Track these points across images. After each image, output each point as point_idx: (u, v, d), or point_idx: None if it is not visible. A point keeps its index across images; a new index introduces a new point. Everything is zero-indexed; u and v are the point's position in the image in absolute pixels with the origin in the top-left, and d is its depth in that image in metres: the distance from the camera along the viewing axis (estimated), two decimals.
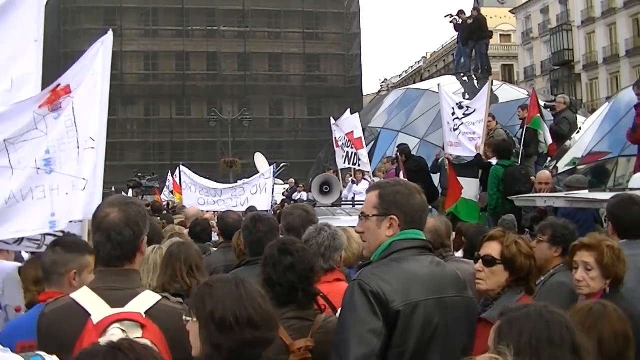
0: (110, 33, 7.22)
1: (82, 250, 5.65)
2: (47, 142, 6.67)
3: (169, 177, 33.45)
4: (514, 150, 17.26)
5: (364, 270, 4.57)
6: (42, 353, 3.57)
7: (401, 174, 18.31)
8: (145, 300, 4.45)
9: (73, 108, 6.72)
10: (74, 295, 4.47)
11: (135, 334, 4.15)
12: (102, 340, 4.04)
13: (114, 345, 2.92)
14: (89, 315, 4.25)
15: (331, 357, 4.41)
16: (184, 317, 3.99)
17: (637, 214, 6.94)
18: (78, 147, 6.65)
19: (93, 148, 6.67)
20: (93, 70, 6.93)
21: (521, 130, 19.59)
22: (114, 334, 4.10)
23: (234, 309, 3.82)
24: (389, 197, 4.75)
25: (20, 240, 7.16)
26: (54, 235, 7.10)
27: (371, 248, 4.82)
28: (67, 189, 6.64)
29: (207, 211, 17.85)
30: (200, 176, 21.32)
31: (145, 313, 4.33)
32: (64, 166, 6.65)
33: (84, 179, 6.57)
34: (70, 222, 6.95)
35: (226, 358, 3.82)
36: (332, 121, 24.37)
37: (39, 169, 6.63)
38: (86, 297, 4.39)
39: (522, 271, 5.44)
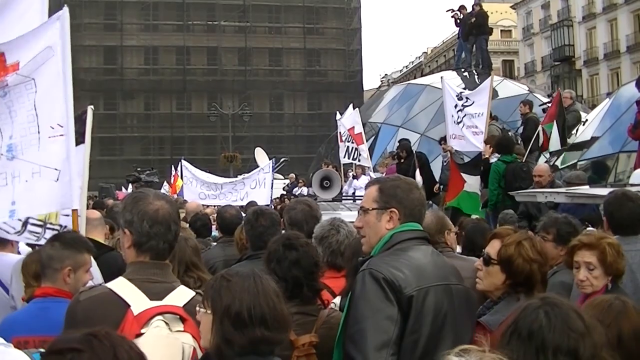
0: (66, 9, 6.87)
1: (80, 247, 5.65)
2: (12, 127, 6.58)
3: (173, 171, 33.39)
4: (515, 146, 17.25)
5: (372, 260, 4.57)
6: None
7: (417, 172, 18.20)
8: (181, 295, 4.47)
9: (35, 91, 6.58)
10: (111, 285, 4.44)
11: (177, 327, 4.19)
12: (146, 331, 4.11)
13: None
14: (128, 305, 4.24)
15: (344, 350, 4.39)
16: (197, 308, 3.99)
17: (630, 210, 6.97)
18: (39, 133, 6.52)
19: (62, 135, 6.52)
20: (53, 52, 6.68)
21: (522, 125, 19.65)
22: (158, 325, 4.14)
23: (249, 305, 3.81)
24: (389, 190, 4.80)
25: (21, 231, 7.14)
26: (53, 229, 7.11)
27: (371, 242, 4.84)
28: (27, 176, 6.52)
29: (208, 206, 17.85)
30: (202, 170, 21.33)
31: (182, 307, 4.34)
32: (25, 152, 6.54)
33: (55, 169, 6.45)
34: (65, 215, 6.94)
35: (237, 353, 3.81)
36: (338, 116, 24.43)
37: (1, 154, 6.58)
38: (124, 288, 4.38)
39: (519, 275, 5.17)
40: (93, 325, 4.04)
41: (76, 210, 6.61)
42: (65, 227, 7.07)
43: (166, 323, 4.17)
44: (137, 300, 4.28)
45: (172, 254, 6.89)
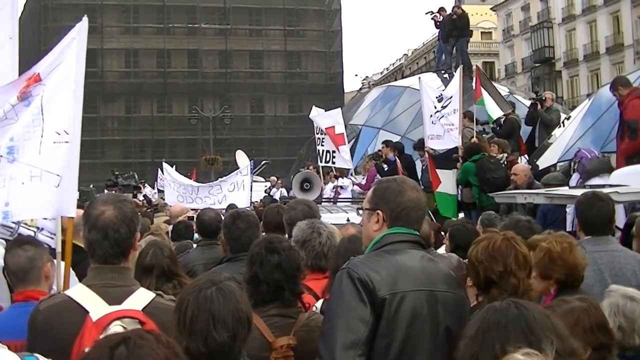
0: (85, 20, 6.80)
1: (43, 246, 5.76)
2: (14, 129, 6.53)
3: (159, 174, 33.27)
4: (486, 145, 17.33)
5: (352, 260, 4.55)
6: (38, 356, 3.58)
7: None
8: (141, 298, 4.49)
9: (42, 96, 6.52)
10: (70, 292, 4.51)
11: None
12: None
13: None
14: (87, 312, 4.27)
15: (315, 353, 4.36)
16: None
17: (600, 210, 6.93)
18: (42, 137, 6.45)
19: (67, 142, 6.46)
20: (67, 60, 6.66)
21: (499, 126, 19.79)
22: (116, 330, 4.10)
23: None
24: (379, 192, 4.80)
25: None
26: (28, 229, 7.08)
27: (364, 242, 4.88)
28: (24, 179, 6.45)
29: (191, 209, 17.82)
30: (181, 174, 21.28)
31: (142, 310, 4.36)
32: (26, 155, 6.48)
33: (57, 175, 6.41)
34: (44, 218, 6.93)
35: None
36: (312, 114, 24.37)
37: (1, 156, 6.54)
38: (82, 294, 4.41)
39: (474, 279, 5.02)
40: (54, 334, 4.06)
41: (72, 218, 6.57)
42: (42, 229, 7.07)
43: (124, 328, 4.15)
44: (95, 306, 4.31)
45: (149, 267, 6.82)
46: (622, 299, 5.05)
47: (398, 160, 19.73)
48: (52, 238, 6.94)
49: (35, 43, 78.89)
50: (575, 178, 13.78)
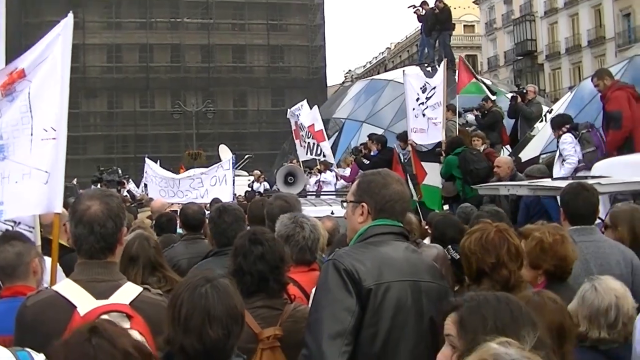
0: (71, 16, 6.92)
1: (31, 241, 5.79)
2: (1, 128, 6.56)
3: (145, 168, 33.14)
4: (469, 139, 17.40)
5: (338, 251, 4.63)
6: (29, 350, 3.59)
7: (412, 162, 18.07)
8: (128, 292, 4.50)
9: (29, 93, 6.52)
10: (57, 288, 4.53)
11: (124, 325, 4.12)
12: None
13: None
14: (75, 307, 4.28)
15: (301, 343, 4.40)
16: None
17: (585, 200, 6.97)
18: (32, 135, 6.44)
19: (54, 139, 6.46)
20: (52, 55, 6.66)
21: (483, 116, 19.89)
22: None
23: None
24: (363, 184, 4.84)
25: None
26: (5, 223, 7.07)
27: (349, 234, 4.92)
28: (17, 177, 6.47)
29: (173, 204, 17.75)
30: (165, 169, 21.20)
31: (129, 304, 4.36)
32: (17, 153, 6.49)
33: (46, 172, 6.39)
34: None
35: None
36: (288, 112, 24.40)
37: None
38: (70, 289, 4.43)
39: (469, 269, 5.10)
40: (42, 329, 4.07)
41: (59, 213, 6.57)
42: (19, 222, 7.07)
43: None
44: (83, 300, 4.33)
45: (135, 257, 6.85)
46: (589, 291, 5.13)
47: (396, 153, 19.68)
48: (31, 232, 6.96)
49: (16, 38, 78.47)
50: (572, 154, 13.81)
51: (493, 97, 20.36)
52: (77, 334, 3.01)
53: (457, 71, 21.33)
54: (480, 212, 8.07)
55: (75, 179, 40.68)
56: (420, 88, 17.77)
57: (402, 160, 18.35)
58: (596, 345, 5.03)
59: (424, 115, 17.37)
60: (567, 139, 13.95)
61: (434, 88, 17.26)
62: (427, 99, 17.29)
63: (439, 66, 26.95)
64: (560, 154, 14.06)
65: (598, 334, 5.03)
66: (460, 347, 3.27)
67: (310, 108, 23.62)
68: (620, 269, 6.52)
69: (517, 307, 3.29)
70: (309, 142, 22.64)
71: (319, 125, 22.30)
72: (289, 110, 24.82)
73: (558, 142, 14.33)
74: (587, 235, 6.74)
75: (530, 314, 3.30)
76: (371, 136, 22.13)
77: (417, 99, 17.54)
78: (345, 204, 5.05)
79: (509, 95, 22.33)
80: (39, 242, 6.50)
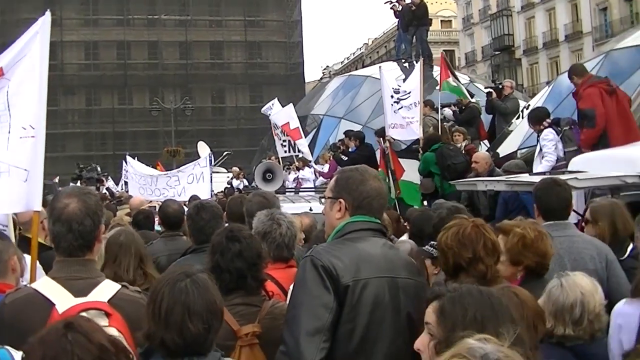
0: (48, 14, 6.92)
1: (10, 239, 5.79)
2: None
3: (124, 165, 33.05)
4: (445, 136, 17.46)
5: (315, 248, 4.61)
6: (9, 348, 3.60)
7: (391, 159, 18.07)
8: (106, 289, 4.51)
9: (7, 91, 6.53)
10: (36, 285, 4.53)
11: (102, 322, 4.14)
12: None
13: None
14: (53, 304, 4.28)
15: (280, 340, 4.41)
16: None
17: (559, 196, 7.00)
18: (9, 133, 6.44)
19: (33, 137, 6.44)
20: (31, 54, 6.67)
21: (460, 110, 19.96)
22: None
23: None
24: (342, 181, 4.84)
25: None
26: None
27: (327, 230, 4.95)
28: None
29: (152, 201, 17.71)
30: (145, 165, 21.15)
31: (108, 302, 4.37)
32: None
33: (25, 170, 6.38)
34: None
35: None
36: (265, 111, 24.39)
37: None
38: (48, 287, 4.42)
39: (446, 264, 5.10)
40: (20, 327, 4.04)
41: (38, 211, 6.56)
42: None
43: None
44: (61, 298, 4.33)
45: (126, 247, 6.89)
46: (555, 287, 5.17)
47: (382, 147, 19.71)
48: (5, 230, 6.94)
49: None
50: (552, 151, 13.86)
51: (473, 100, 20.44)
52: (53, 330, 3.04)
53: (439, 68, 21.37)
54: (440, 210, 8.07)
55: (57, 177, 40.51)
56: (393, 89, 17.82)
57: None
58: (562, 342, 5.08)
59: (399, 113, 17.42)
60: (549, 135, 13.98)
61: (409, 93, 17.31)
62: (401, 99, 17.34)
63: (416, 62, 27.12)
64: (541, 149, 14.11)
65: (563, 331, 5.07)
66: (438, 335, 3.34)
67: (284, 106, 23.64)
68: (595, 263, 6.55)
69: (498, 302, 3.35)
70: (286, 140, 22.64)
71: (295, 124, 22.26)
72: (262, 109, 24.82)
73: (538, 136, 14.37)
74: (561, 230, 6.75)
75: (510, 310, 3.35)
76: (348, 133, 22.19)
77: (392, 96, 17.59)
78: (323, 200, 5.02)
79: (486, 90, 22.37)
80: (13, 240, 6.49)
